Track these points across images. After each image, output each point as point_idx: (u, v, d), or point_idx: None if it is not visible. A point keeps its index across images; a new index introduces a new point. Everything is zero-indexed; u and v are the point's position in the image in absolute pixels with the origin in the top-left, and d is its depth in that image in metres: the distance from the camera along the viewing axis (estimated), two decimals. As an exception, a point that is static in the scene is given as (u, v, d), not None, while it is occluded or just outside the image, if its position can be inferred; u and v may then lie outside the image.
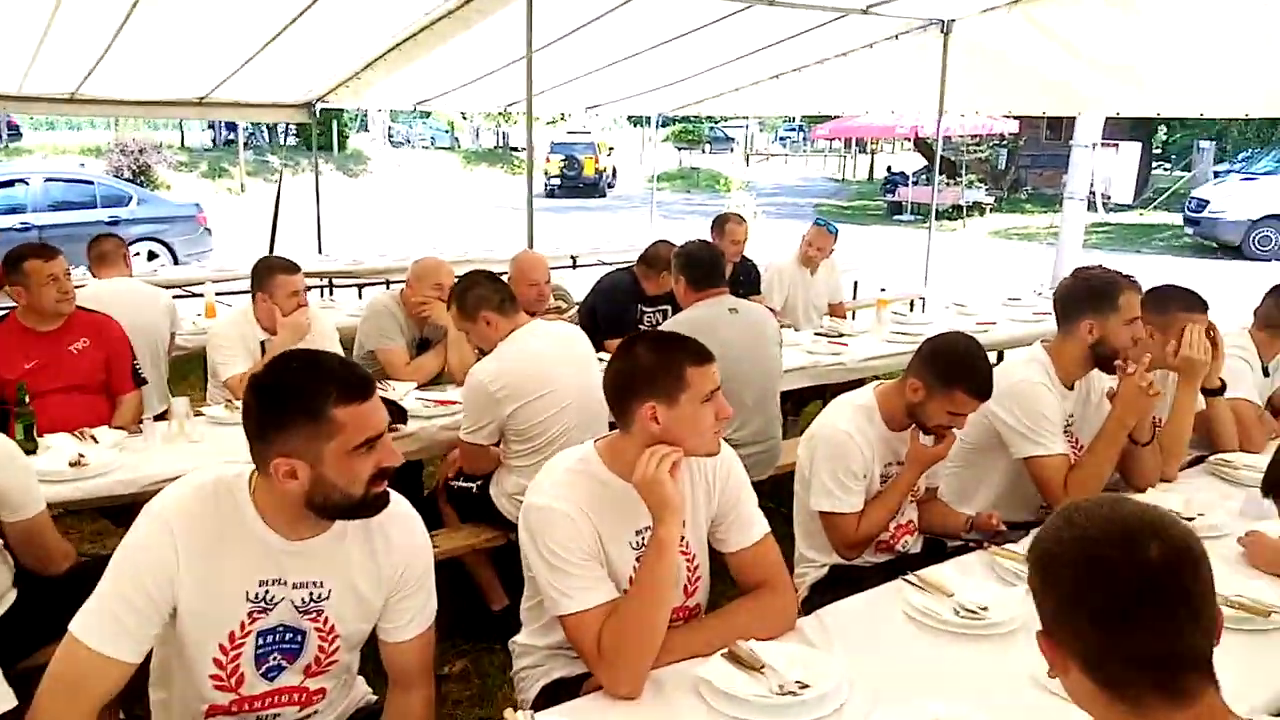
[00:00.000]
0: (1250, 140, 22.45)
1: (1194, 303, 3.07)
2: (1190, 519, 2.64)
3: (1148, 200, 23.90)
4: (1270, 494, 1.63)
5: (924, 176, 23.96)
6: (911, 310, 8.44)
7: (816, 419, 2.73)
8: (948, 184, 22.19)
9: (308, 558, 1.78)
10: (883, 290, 7.98)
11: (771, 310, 5.57)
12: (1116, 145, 9.65)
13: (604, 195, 28.86)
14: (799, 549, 2.79)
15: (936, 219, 22.05)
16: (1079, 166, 9.78)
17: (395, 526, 1.87)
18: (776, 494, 3.27)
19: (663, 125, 43.88)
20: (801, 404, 5.67)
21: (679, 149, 37.86)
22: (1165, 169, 29.92)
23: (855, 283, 9.85)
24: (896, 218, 23.02)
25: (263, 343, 3.91)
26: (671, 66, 8.89)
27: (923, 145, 25.43)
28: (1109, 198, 9.56)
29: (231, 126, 29.91)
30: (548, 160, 27.90)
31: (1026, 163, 26.29)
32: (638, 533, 2.03)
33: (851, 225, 22.39)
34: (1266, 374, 3.56)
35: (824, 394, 5.14)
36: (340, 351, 4.05)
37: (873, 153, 34.62)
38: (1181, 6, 6.33)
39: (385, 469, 1.74)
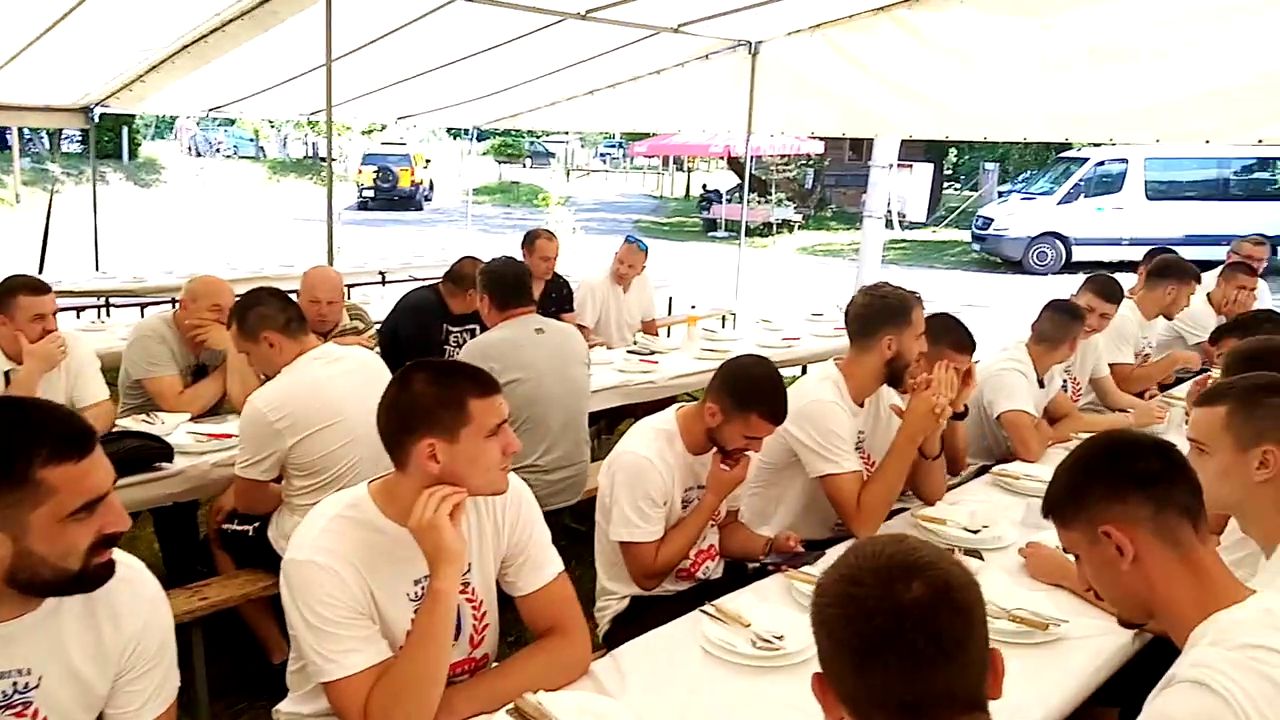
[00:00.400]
0: (1029, 163, 24.41)
1: (963, 344, 3.11)
2: (975, 531, 2.72)
3: (940, 218, 25.53)
4: (1049, 515, 1.63)
5: (738, 194, 24.72)
6: (724, 326, 8.58)
7: (617, 445, 2.64)
8: (759, 202, 22.95)
9: (11, 643, 1.49)
10: (693, 307, 8.06)
11: (583, 328, 5.52)
12: (911, 166, 10.14)
13: (420, 208, 28.18)
14: (600, 580, 2.69)
15: (748, 235, 22.84)
16: (877, 186, 10.26)
17: (123, 595, 1.60)
18: (588, 517, 3.17)
19: (482, 138, 43.49)
20: (616, 423, 5.61)
21: (499, 162, 37.53)
22: (956, 189, 32.11)
23: (670, 299, 9.94)
24: (712, 234, 23.59)
25: (6, 373, 3.46)
26: (485, 79, 8.70)
27: (736, 164, 26.23)
28: (904, 216, 10.02)
29: (4, 131, 27.29)
30: (360, 172, 26.98)
31: (831, 182, 27.57)
32: (416, 583, 1.85)
33: (668, 241, 22.83)
34: (1042, 385, 3.75)
35: (636, 414, 5.09)
36: (101, 382, 3.65)
37: (689, 170, 35.42)
38: (967, 36, 6.73)
39: (109, 535, 1.48)
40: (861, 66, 7.55)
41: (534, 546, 2.04)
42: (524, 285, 3.73)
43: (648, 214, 29.95)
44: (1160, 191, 17.15)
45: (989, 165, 25.96)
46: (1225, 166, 17.49)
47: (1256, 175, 17.52)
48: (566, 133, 35.10)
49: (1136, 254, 16.67)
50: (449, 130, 46.12)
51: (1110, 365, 4.39)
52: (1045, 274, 16.97)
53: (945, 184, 34.73)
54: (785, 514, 3.02)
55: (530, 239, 5.46)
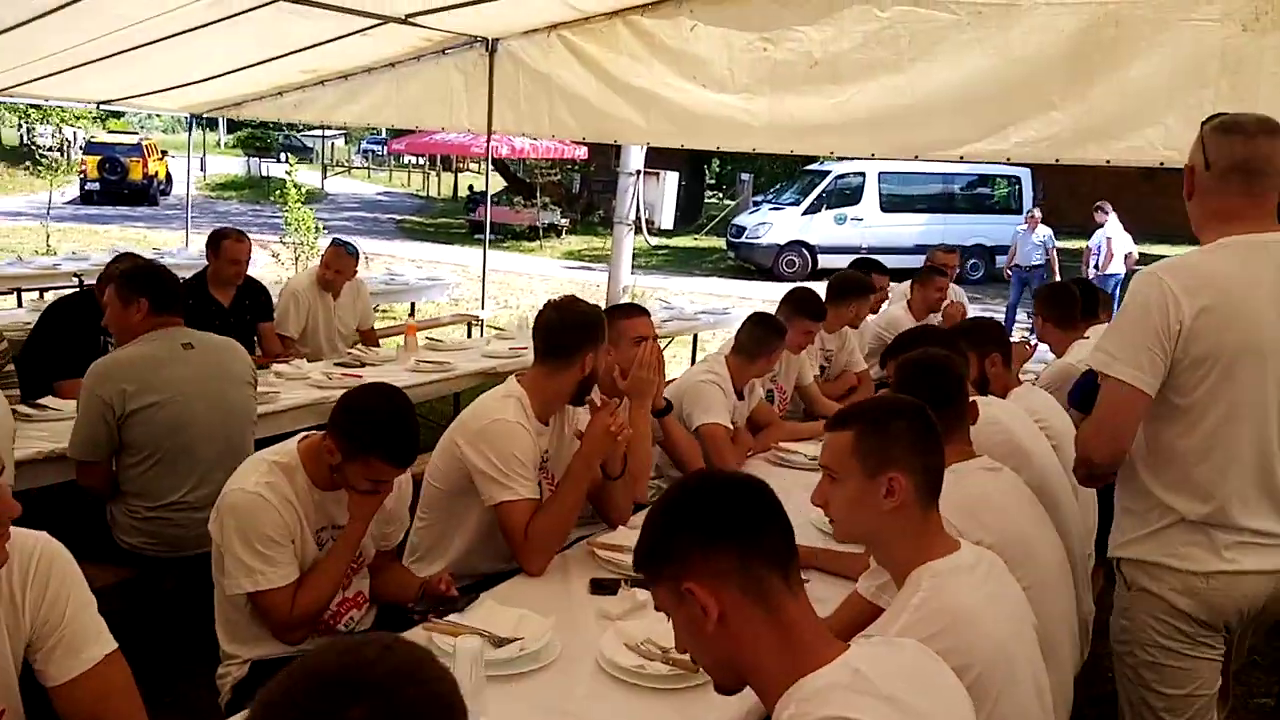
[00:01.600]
0: (780, 174, 25.60)
1: (634, 311, 3.13)
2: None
3: (700, 226, 26.32)
4: (639, 570, 1.44)
5: (505, 197, 24.37)
6: (470, 335, 8.25)
7: (226, 483, 2.27)
8: (524, 205, 22.72)
9: None
10: (411, 315, 7.67)
11: (286, 339, 5.02)
12: (659, 174, 10.13)
13: (155, 203, 25.89)
14: (221, 644, 2.30)
15: (514, 239, 22.69)
16: (625, 193, 10.23)
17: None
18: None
19: (233, 130, 40.68)
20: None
21: (250, 156, 35.13)
22: (719, 198, 33.25)
23: (413, 304, 9.49)
24: (477, 236, 23.04)
25: None
26: (196, 63, 7.92)
27: (501, 166, 25.84)
28: (653, 223, 10.02)
29: None
30: (83, 161, 24.41)
31: (599, 188, 27.67)
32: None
33: (433, 244, 22.15)
34: (741, 397, 3.69)
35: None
36: None
37: (457, 170, 34.63)
38: (697, 46, 6.75)
39: None
40: (600, 71, 7.43)
41: (70, 624, 1.64)
42: (170, 292, 3.24)
43: (412, 214, 29.00)
44: (894, 204, 18.39)
45: (744, 175, 26.99)
46: (951, 182, 19.00)
47: (978, 190, 19.18)
48: (322, 127, 33.36)
49: (874, 262, 18.03)
50: (197, 120, 42.81)
51: None
52: (794, 280, 17.72)
53: (707, 193, 36.00)
54: (461, 544, 2.76)
55: (215, 240, 4.89)
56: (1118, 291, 11.71)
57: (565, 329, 2.78)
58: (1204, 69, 5.50)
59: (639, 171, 10.18)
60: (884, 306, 5.62)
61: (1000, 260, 17.00)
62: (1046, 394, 3.29)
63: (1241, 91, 5.46)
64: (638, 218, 10.19)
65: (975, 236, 17.62)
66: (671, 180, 10.18)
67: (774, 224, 18.26)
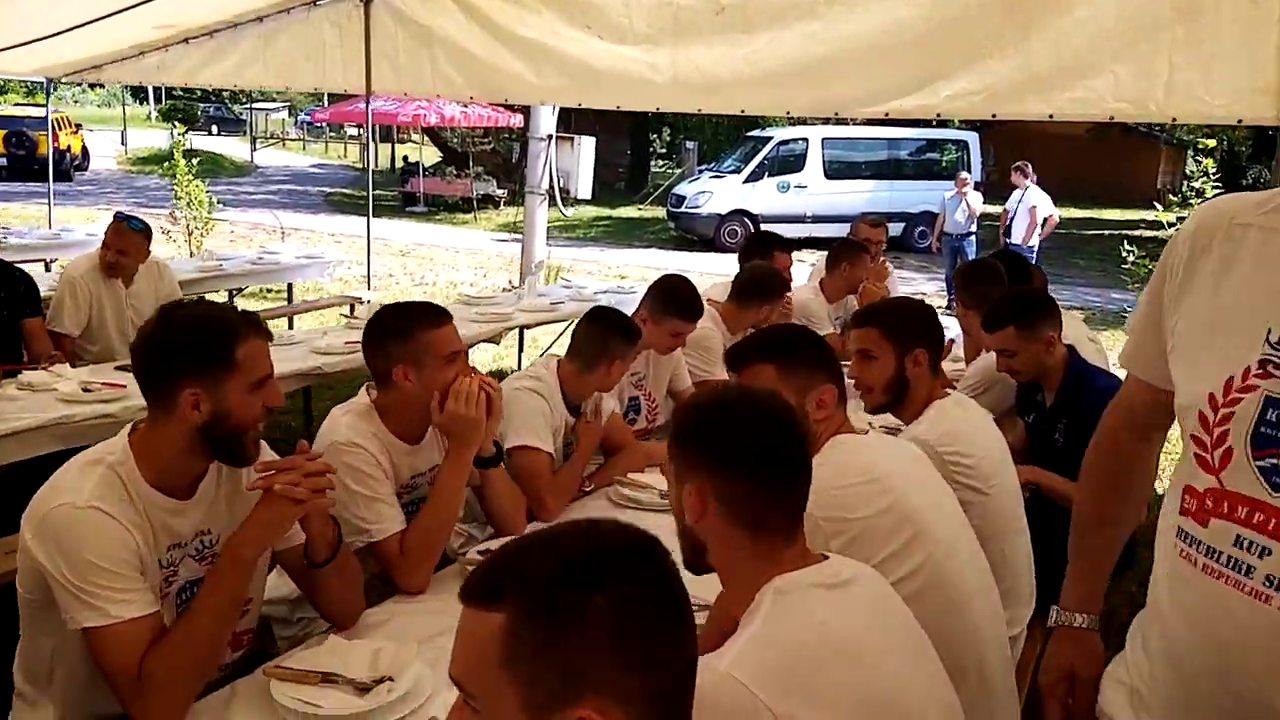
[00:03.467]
0: (724, 141, 24.76)
1: (435, 317, 2.33)
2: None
3: (646, 195, 25.45)
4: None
5: (441, 168, 23.30)
6: (353, 313, 7.38)
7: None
8: (457, 176, 21.70)
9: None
10: (289, 299, 6.79)
11: (61, 337, 4.16)
12: (572, 139, 9.27)
13: (70, 179, 24.46)
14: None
15: (448, 211, 21.68)
16: (536, 160, 9.36)
17: None
18: None
19: (156, 101, 38.95)
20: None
21: (175, 129, 33.46)
22: (668, 167, 32.33)
23: (290, 286, 8.55)
24: (410, 209, 22.05)
25: None
26: (37, 17, 6.95)
27: (434, 136, 24.74)
28: (568, 192, 9.17)
29: None
30: (-15, 136, 22.98)
31: (540, 156, 26.69)
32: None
33: (361, 218, 21.02)
34: (576, 413, 2.94)
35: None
36: None
37: (393, 141, 33.32)
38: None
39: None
40: (485, 20, 6.57)
41: None
42: None
43: (345, 186, 27.79)
44: (838, 170, 17.66)
45: (689, 143, 26.12)
46: (897, 148, 18.29)
47: (927, 156, 18.46)
48: (250, 98, 31.95)
49: (819, 231, 17.25)
50: (133, 93, 40.85)
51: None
52: (735, 251, 16.98)
53: (658, 161, 35.08)
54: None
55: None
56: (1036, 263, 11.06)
57: (159, 356, 1.80)
58: (1157, 11, 4.77)
59: (550, 136, 9.32)
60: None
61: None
62: (978, 409, 2.53)
63: (1199, 36, 4.74)
64: (551, 186, 9.35)
65: (923, 204, 16.89)
66: (588, 146, 9.31)
67: (715, 193, 17.44)
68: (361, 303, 7.45)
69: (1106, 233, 22.69)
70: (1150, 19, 4.76)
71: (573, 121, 29.31)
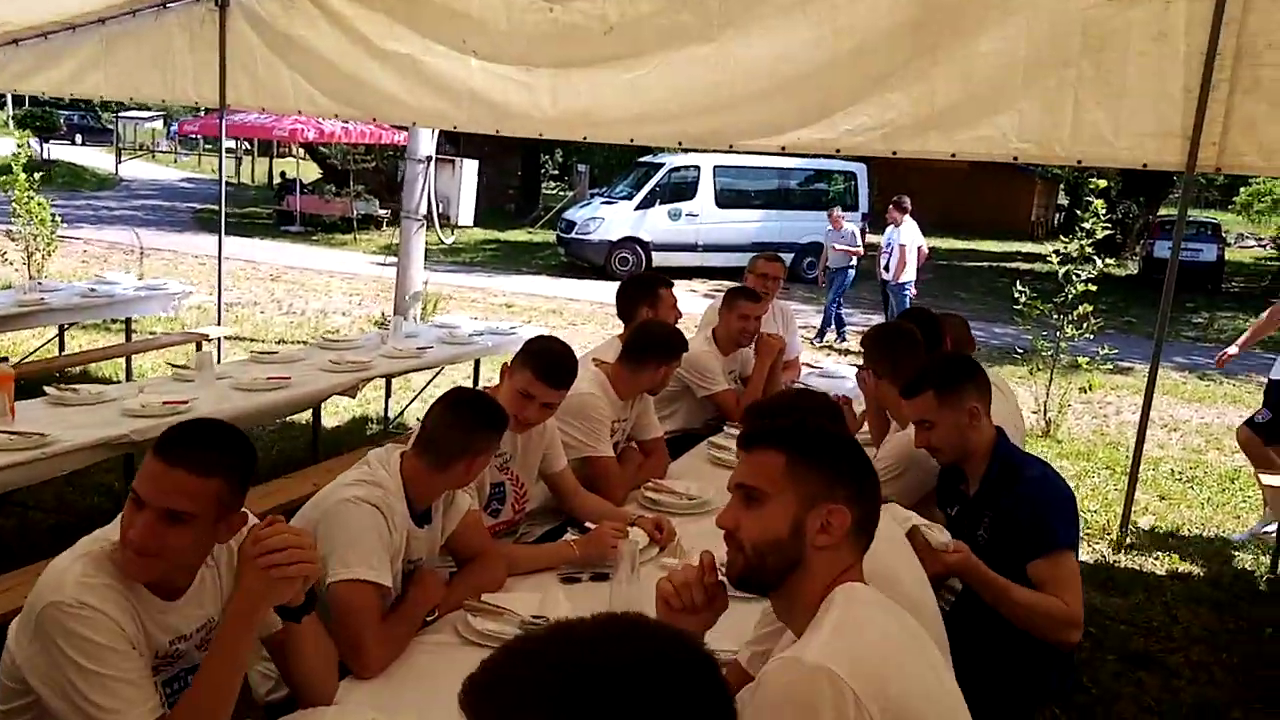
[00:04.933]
0: (615, 165, 24.43)
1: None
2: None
3: (536, 219, 24.92)
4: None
5: (324, 186, 22.22)
6: (199, 350, 6.63)
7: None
8: (336, 195, 20.73)
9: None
10: (127, 336, 6.04)
11: None
12: (454, 162, 8.72)
13: (-96, 189, 22.41)
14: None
15: (326, 231, 20.66)
16: (414, 183, 8.78)
17: None
18: None
19: (17, 105, 36.27)
20: None
21: (36, 137, 31.22)
22: (562, 189, 31.87)
23: (128, 322, 7.67)
24: (285, 228, 20.93)
25: None
26: None
27: (313, 151, 23.69)
28: (448, 219, 8.60)
29: None
30: None
31: (427, 176, 25.89)
32: None
33: (231, 237, 19.82)
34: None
35: None
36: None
37: (272, 156, 31.91)
38: (476, 12, 5.47)
39: None
40: (352, 32, 6.03)
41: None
42: None
43: (216, 202, 26.30)
44: (729, 199, 17.49)
45: (581, 166, 25.74)
46: (787, 178, 18.26)
47: (815, 186, 18.47)
48: (118, 107, 30.10)
49: (711, 260, 17.03)
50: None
51: None
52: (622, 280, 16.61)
53: (551, 183, 34.61)
54: None
55: None
56: (907, 301, 10.95)
57: None
58: (1064, 45, 4.56)
59: (429, 158, 8.76)
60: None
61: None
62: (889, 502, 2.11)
63: (1107, 72, 4.55)
64: (429, 212, 8.76)
65: (812, 234, 16.81)
66: (469, 169, 8.79)
67: (606, 219, 17.02)
68: (208, 340, 6.71)
69: (986, 264, 23.28)
70: (1059, 52, 4.55)
71: (461, 140, 28.65)
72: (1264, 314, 5.96)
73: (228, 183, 33.12)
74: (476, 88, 5.79)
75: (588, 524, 2.67)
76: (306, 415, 5.24)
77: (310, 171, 25.04)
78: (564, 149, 32.77)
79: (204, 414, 3.75)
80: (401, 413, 6.46)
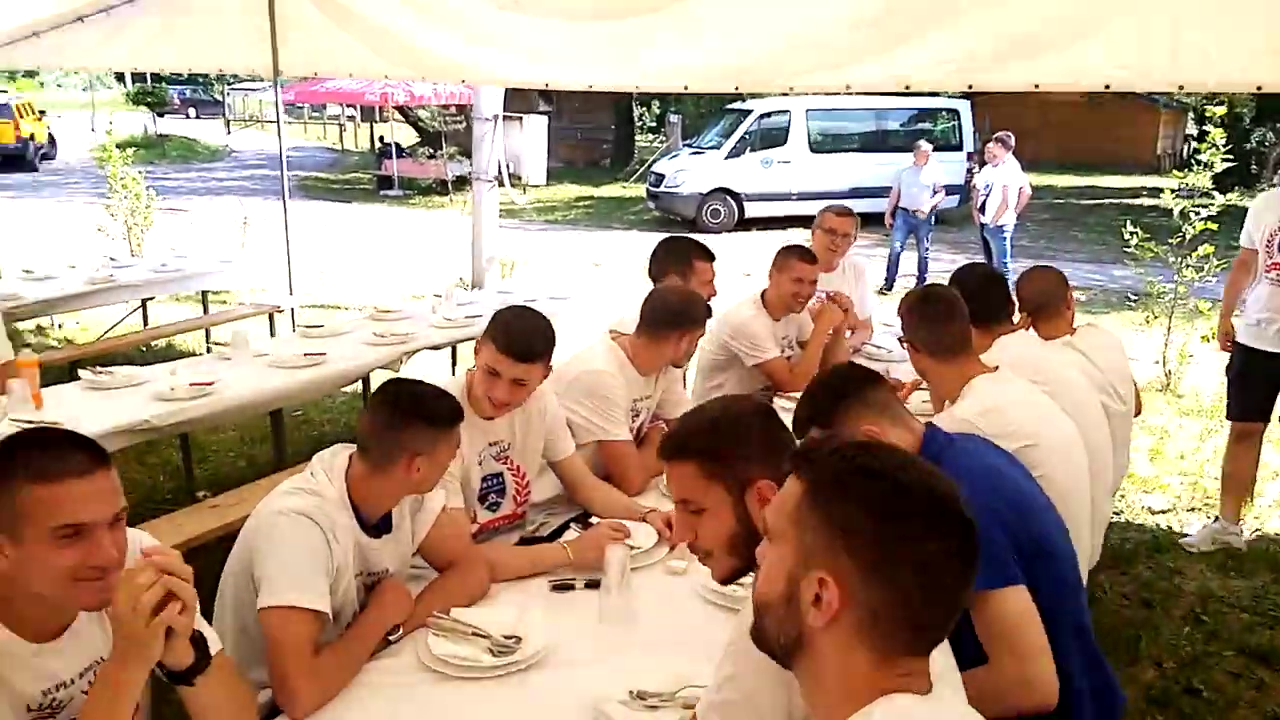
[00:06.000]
0: (706, 114, 23.80)
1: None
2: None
3: (630, 172, 24.61)
4: None
5: (419, 149, 22.40)
6: (271, 325, 6.68)
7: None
8: (430, 157, 20.86)
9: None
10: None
11: None
12: (520, 118, 8.49)
13: (35, 169, 23.69)
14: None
15: (423, 194, 20.85)
16: (482, 142, 8.60)
17: None
18: None
19: (121, 83, 37.80)
20: None
21: (151, 112, 32.54)
22: (655, 141, 31.39)
23: (204, 295, 7.75)
24: (384, 193, 21.22)
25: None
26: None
27: (407, 115, 23.86)
28: (519, 177, 8.40)
29: None
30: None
31: (521, 134, 25.80)
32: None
33: (330, 203, 20.25)
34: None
35: None
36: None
37: (373, 123, 32.37)
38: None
39: None
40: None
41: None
42: None
43: (322, 170, 26.94)
44: (823, 144, 16.82)
45: (673, 117, 25.21)
46: (885, 119, 17.42)
47: (918, 127, 17.53)
48: (224, 79, 31.00)
49: (806, 209, 16.35)
50: (118, 75, 39.58)
51: None
52: (719, 232, 16.19)
53: (647, 136, 34.14)
54: None
55: None
56: (1007, 245, 10.21)
57: None
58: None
59: (496, 117, 8.55)
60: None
61: (944, 202, 15.52)
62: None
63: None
64: (499, 171, 8.58)
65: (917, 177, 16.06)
66: (537, 126, 8.52)
67: (695, 170, 16.58)
68: (279, 311, 6.71)
69: (1107, 202, 21.85)
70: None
71: (554, 96, 28.50)
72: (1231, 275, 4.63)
73: (330, 149, 33.77)
74: (534, 45, 5.52)
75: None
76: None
77: (410, 136, 25.30)
78: (661, 101, 32.20)
79: (229, 394, 3.67)
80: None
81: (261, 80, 7.69)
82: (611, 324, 3.13)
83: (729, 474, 1.51)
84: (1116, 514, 4.50)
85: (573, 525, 2.46)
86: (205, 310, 7.22)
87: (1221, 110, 6.36)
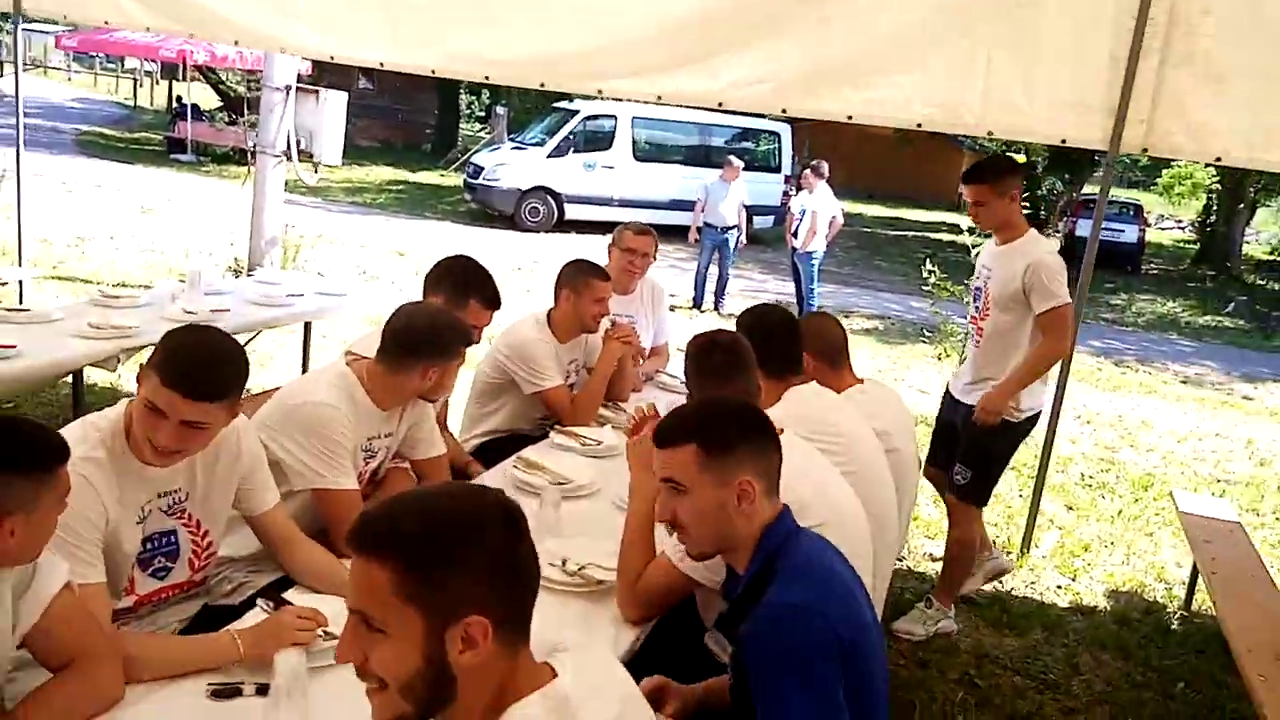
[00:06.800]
0: (531, 109, 23.28)
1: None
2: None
3: (452, 160, 23.77)
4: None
5: (221, 114, 20.71)
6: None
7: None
8: (229, 123, 19.32)
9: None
10: None
11: None
12: (317, 93, 7.77)
13: None
14: None
15: (219, 162, 19.28)
16: (270, 114, 7.83)
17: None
18: None
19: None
20: None
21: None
22: (483, 130, 30.49)
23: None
24: (175, 156, 19.47)
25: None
26: None
27: (209, 77, 22.11)
28: (311, 156, 7.66)
29: None
30: None
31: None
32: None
33: (116, 163, 18.38)
34: None
35: None
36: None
37: (172, 81, 29.88)
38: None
39: None
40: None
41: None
42: None
43: (108, 125, 24.56)
44: (648, 153, 16.68)
45: (499, 108, 24.54)
46: (709, 134, 17.47)
47: (740, 145, 17.66)
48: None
49: (628, 215, 16.10)
50: None
51: None
52: (537, 231, 15.74)
53: (473, 125, 33.20)
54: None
55: None
56: (815, 272, 10.35)
57: None
58: (978, 2, 3.90)
59: (288, 87, 7.81)
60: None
61: (759, 223, 15.67)
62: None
63: (1024, 32, 3.89)
64: (288, 146, 7.82)
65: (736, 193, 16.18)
66: (336, 101, 7.81)
67: (515, 165, 16.05)
68: (2, 284, 5.75)
69: (910, 234, 22.92)
70: (972, 4, 3.89)
71: (376, 76, 27.11)
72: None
73: (123, 104, 30.98)
74: (312, 6, 4.92)
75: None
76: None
77: (213, 100, 23.40)
78: (491, 91, 31.34)
79: None
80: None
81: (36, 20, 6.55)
82: (351, 343, 2.64)
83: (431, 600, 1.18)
84: (898, 561, 4.38)
85: (260, 602, 1.96)
86: (-88, 277, 6.12)
87: (1021, 158, 6.50)
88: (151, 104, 29.66)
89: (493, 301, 3.01)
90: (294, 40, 5.21)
